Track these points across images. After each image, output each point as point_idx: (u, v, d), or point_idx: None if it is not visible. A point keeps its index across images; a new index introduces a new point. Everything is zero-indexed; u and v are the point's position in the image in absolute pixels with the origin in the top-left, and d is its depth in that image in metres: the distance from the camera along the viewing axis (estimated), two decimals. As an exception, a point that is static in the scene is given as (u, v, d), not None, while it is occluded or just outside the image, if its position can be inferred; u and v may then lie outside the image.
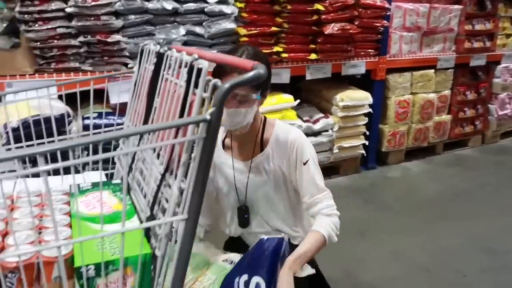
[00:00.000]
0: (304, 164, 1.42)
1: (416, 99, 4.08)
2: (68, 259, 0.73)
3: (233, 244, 1.63)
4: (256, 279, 1.22)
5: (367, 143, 3.80)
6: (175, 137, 0.76)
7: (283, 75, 3.27)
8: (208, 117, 0.66)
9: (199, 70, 0.72)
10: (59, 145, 0.61)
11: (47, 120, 2.11)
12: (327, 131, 3.55)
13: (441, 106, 4.31)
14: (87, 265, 0.70)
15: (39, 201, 0.92)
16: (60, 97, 2.31)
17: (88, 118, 2.61)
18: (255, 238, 1.49)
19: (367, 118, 3.72)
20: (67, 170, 1.20)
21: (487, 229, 2.97)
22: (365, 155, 3.86)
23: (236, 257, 1.43)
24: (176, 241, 0.74)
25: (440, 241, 2.80)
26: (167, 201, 0.77)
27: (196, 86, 0.72)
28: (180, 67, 0.83)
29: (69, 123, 2.37)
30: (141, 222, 0.83)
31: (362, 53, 3.63)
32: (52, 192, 0.97)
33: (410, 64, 3.99)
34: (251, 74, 0.68)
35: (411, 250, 2.69)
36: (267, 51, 3.11)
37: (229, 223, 1.59)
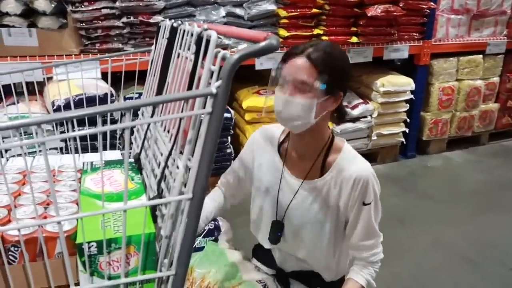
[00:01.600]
0: (365, 205, 1.23)
1: (462, 86, 3.86)
2: (71, 235, 0.72)
3: (261, 253, 1.50)
4: None
5: (407, 130, 3.66)
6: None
7: (321, 59, 3.16)
8: (214, 90, 0.62)
9: (208, 42, 0.67)
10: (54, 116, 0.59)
11: (91, 99, 2.17)
12: (365, 117, 3.44)
13: (489, 94, 4.05)
14: (88, 242, 0.68)
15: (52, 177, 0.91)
16: (103, 78, 2.39)
17: (130, 98, 2.65)
18: (284, 259, 1.42)
19: (408, 105, 3.57)
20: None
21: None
22: (404, 143, 3.71)
23: (269, 280, 1.38)
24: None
25: (485, 232, 2.68)
26: (175, 180, 0.74)
27: (205, 58, 0.67)
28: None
29: (112, 102, 2.40)
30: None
31: (405, 36, 3.45)
32: (64, 168, 0.97)
33: (456, 48, 3.76)
34: (262, 44, 0.63)
35: (454, 240, 2.59)
36: (307, 33, 3.03)
37: (262, 231, 1.43)
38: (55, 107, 2.26)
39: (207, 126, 0.64)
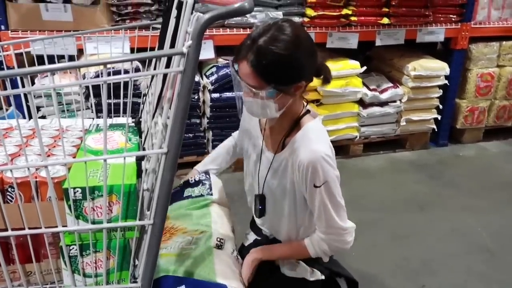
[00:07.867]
0: (316, 187, 1.19)
1: (503, 73, 3.68)
2: (62, 182, 0.79)
3: (254, 227, 1.53)
4: None
5: (439, 117, 3.55)
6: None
7: (350, 40, 3.13)
8: (184, 50, 0.66)
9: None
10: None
11: (118, 72, 2.28)
12: (395, 101, 3.37)
13: (532, 82, 3.84)
14: (74, 188, 0.75)
15: (56, 134, 1.00)
16: (132, 52, 2.49)
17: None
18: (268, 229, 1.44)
19: (441, 91, 3.46)
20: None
21: None
22: (436, 130, 3.61)
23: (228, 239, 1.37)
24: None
25: (510, 224, 2.59)
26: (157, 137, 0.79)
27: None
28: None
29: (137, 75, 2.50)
30: (137, 159, 0.86)
31: (441, 18, 3.33)
32: (70, 128, 1.05)
33: (499, 32, 3.58)
34: (234, 6, 0.66)
35: (474, 230, 2.53)
36: (334, 13, 2.99)
37: (250, 205, 1.48)
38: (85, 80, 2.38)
39: (180, 84, 0.69)
